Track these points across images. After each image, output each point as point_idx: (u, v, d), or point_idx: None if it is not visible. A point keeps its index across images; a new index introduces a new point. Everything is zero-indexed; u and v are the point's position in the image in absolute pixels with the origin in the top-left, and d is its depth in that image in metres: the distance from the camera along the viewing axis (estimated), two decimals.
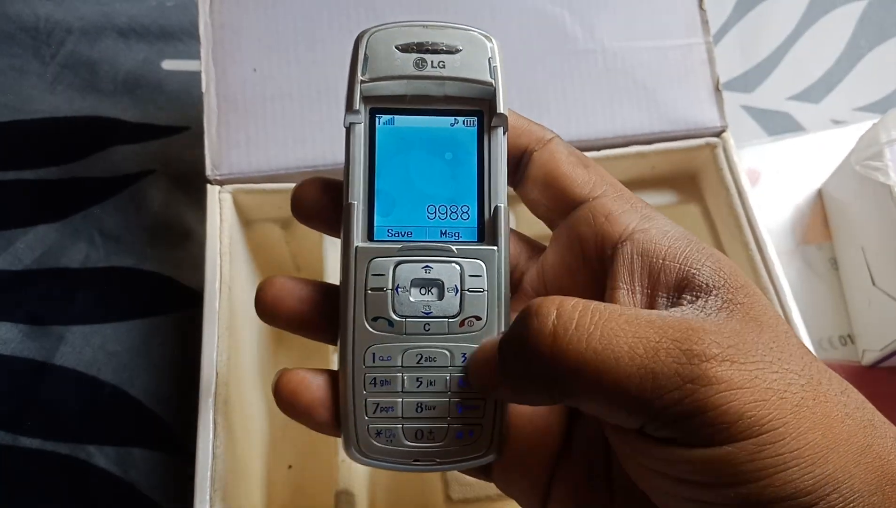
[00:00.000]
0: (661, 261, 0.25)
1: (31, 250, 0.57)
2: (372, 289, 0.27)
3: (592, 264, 0.27)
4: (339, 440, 0.43)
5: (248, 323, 0.47)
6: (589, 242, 0.27)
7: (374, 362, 0.27)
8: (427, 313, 0.27)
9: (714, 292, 0.24)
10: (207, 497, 0.37)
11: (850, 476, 0.21)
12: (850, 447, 0.21)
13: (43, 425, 0.51)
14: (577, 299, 0.23)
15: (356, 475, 0.42)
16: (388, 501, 0.45)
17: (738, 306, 0.23)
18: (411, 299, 0.27)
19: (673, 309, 0.24)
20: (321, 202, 0.29)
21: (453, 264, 0.27)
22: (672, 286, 0.25)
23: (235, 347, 0.43)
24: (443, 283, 0.27)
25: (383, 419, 0.27)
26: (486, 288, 0.27)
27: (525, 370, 0.24)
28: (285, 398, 0.28)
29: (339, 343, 0.27)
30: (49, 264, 0.57)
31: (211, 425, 0.38)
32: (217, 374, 0.40)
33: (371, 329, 0.27)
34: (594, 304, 0.23)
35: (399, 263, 0.27)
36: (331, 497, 0.42)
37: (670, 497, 0.23)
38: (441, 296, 0.27)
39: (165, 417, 0.52)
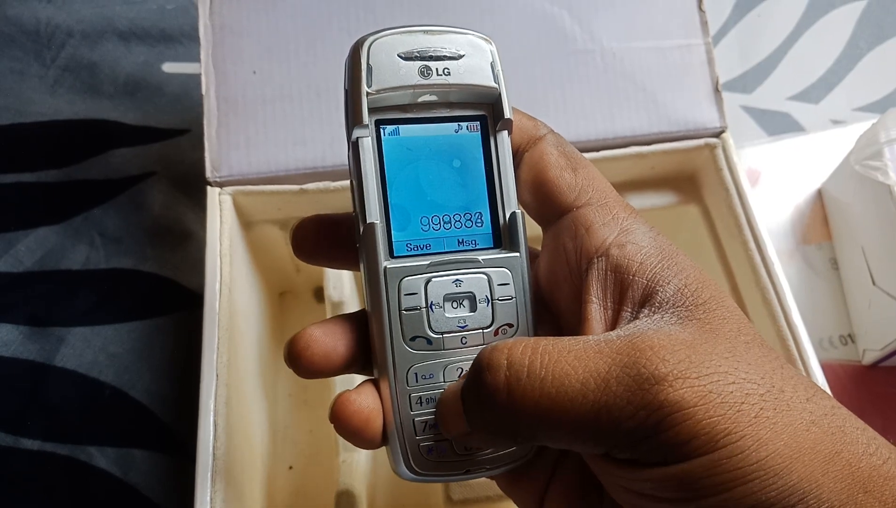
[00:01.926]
0: (630, 277, 0.25)
1: (32, 253, 0.57)
2: (406, 309, 0.26)
3: (575, 275, 0.27)
4: (340, 441, 0.43)
5: (248, 324, 0.47)
6: (571, 253, 0.27)
7: (417, 381, 0.26)
8: (463, 327, 0.27)
9: (672, 308, 0.24)
10: (208, 499, 0.37)
11: (818, 486, 0.21)
12: (817, 455, 0.21)
13: (44, 426, 0.51)
14: (525, 342, 0.23)
15: (357, 475, 0.42)
16: (388, 502, 0.45)
17: (695, 320, 0.24)
18: (446, 315, 0.27)
19: (629, 324, 0.24)
20: (323, 241, 0.29)
21: (481, 275, 0.27)
22: (637, 301, 0.25)
23: (235, 348, 0.43)
24: (474, 295, 0.27)
25: (433, 436, 0.27)
26: (514, 295, 0.27)
27: (487, 422, 0.24)
28: (353, 429, 0.26)
29: (376, 366, 0.27)
30: (50, 266, 0.57)
31: (211, 426, 0.39)
32: (217, 375, 0.40)
33: (410, 349, 0.26)
34: (542, 343, 0.23)
35: (430, 279, 0.26)
36: (331, 498, 0.42)
37: None
38: (474, 308, 0.27)
39: (166, 418, 0.52)
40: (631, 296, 0.25)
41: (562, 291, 0.28)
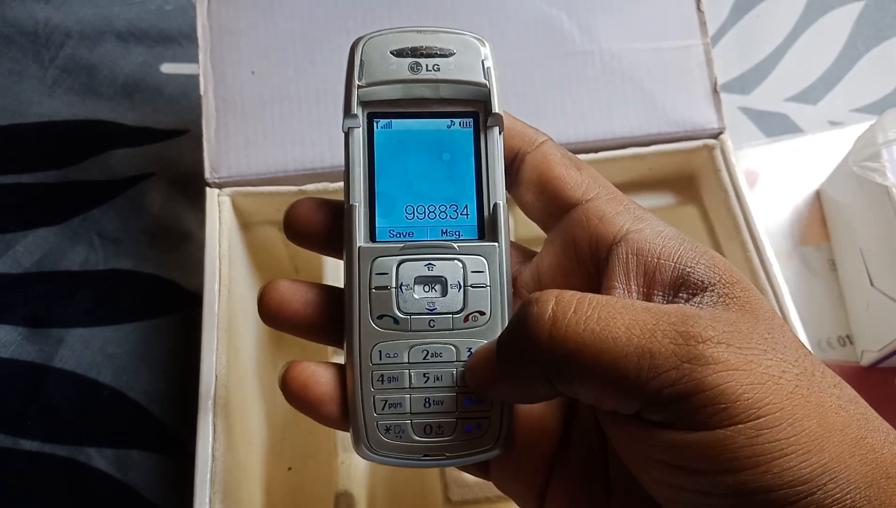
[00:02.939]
0: (655, 260, 0.25)
1: (31, 254, 0.57)
2: (376, 288, 0.27)
3: (587, 267, 0.27)
4: (338, 442, 0.43)
5: (247, 325, 0.47)
6: (583, 244, 0.27)
7: (380, 359, 0.27)
8: (431, 310, 0.27)
9: (710, 288, 0.24)
10: (207, 500, 0.37)
11: (847, 467, 0.21)
12: (845, 437, 0.21)
13: (42, 427, 0.51)
14: (573, 292, 0.23)
15: (356, 476, 0.43)
16: (387, 503, 0.45)
17: (734, 299, 0.24)
18: (415, 296, 0.27)
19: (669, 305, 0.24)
20: (314, 222, 0.29)
21: (455, 261, 0.27)
22: (668, 284, 0.25)
23: (234, 349, 0.43)
24: (446, 280, 0.27)
25: (392, 416, 0.27)
26: (488, 283, 0.27)
27: (523, 358, 0.24)
28: (294, 392, 0.27)
29: (345, 342, 0.28)
30: (48, 267, 0.57)
31: (210, 427, 0.39)
32: (216, 376, 0.40)
33: (377, 327, 0.27)
34: (591, 294, 0.23)
35: (402, 261, 0.27)
36: (330, 499, 0.42)
37: (667, 486, 0.23)
38: (445, 292, 0.27)
39: (165, 419, 0.52)
40: (660, 279, 0.25)
41: (570, 284, 0.28)
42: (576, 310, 0.22)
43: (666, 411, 0.22)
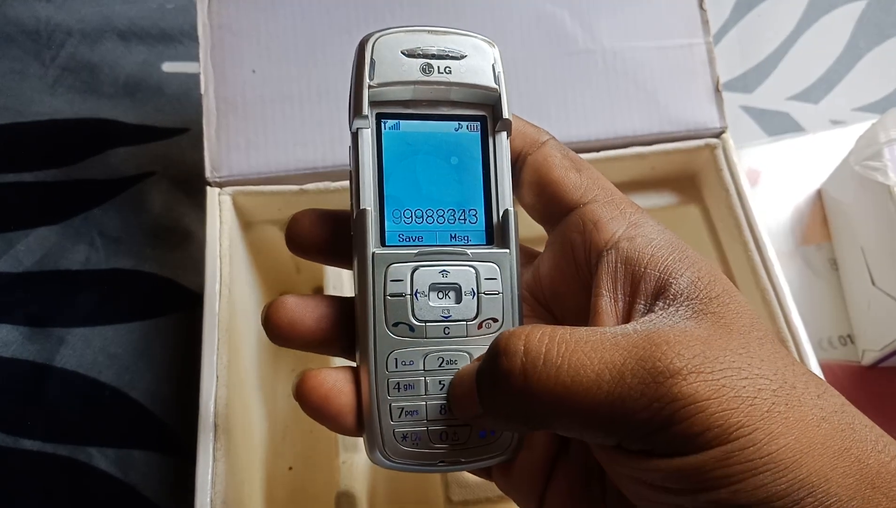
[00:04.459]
0: (642, 269, 0.25)
1: (32, 253, 0.57)
2: (391, 295, 0.27)
3: (583, 270, 0.27)
4: (340, 441, 0.43)
5: (248, 325, 0.47)
6: (579, 248, 0.27)
7: (396, 367, 0.27)
8: (446, 317, 0.27)
9: (687, 301, 0.24)
10: (208, 500, 0.37)
11: (827, 480, 0.21)
12: (826, 450, 0.21)
13: (44, 427, 0.51)
14: (542, 329, 0.23)
15: (357, 476, 0.43)
16: (388, 502, 0.45)
17: (709, 314, 0.24)
18: (431, 303, 0.27)
19: (644, 317, 0.24)
20: (316, 234, 0.29)
21: (469, 268, 0.27)
22: (650, 294, 0.25)
23: (235, 348, 0.43)
24: (460, 287, 0.27)
25: (409, 423, 0.27)
26: (500, 290, 0.27)
27: (500, 405, 0.24)
28: (314, 405, 0.27)
29: (358, 350, 0.27)
30: (49, 267, 0.57)
31: (211, 427, 0.39)
32: (217, 376, 0.40)
33: (392, 335, 0.27)
34: (560, 332, 0.23)
35: (417, 268, 0.27)
36: (331, 499, 0.42)
37: (649, 502, 0.23)
38: (459, 299, 0.27)
39: (166, 419, 0.52)
40: (644, 289, 0.25)
41: (568, 287, 0.28)
42: (545, 361, 0.22)
43: (642, 443, 0.22)
